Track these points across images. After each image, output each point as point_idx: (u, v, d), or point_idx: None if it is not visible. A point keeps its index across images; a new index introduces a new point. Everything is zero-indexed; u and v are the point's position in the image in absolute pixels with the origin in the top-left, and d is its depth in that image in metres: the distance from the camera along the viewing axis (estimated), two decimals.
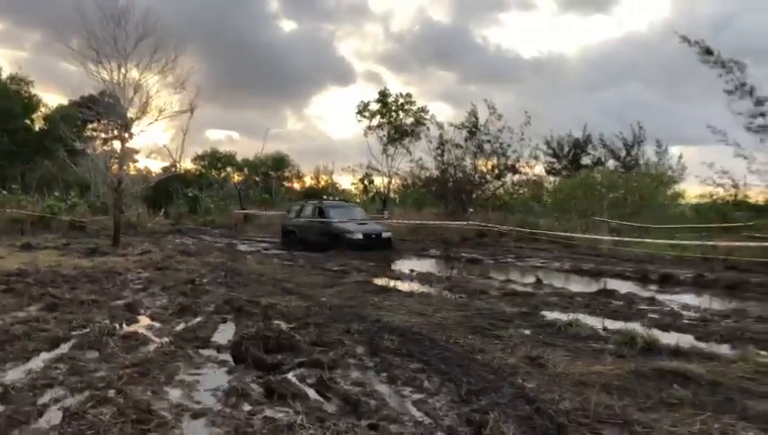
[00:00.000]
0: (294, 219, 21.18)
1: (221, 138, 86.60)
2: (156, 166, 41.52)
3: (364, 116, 34.28)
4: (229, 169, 45.57)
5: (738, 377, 5.21)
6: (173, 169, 29.83)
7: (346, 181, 41.95)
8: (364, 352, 5.94)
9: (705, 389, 4.87)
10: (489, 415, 4.03)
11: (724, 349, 6.39)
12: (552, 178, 34.91)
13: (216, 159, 45.07)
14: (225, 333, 6.77)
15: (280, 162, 44.41)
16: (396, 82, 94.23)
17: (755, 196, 16.09)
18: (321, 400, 4.58)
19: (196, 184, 41.15)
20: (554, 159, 37.08)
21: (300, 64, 67.29)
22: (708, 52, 15.67)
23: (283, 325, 6.96)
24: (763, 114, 15.34)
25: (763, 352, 6.05)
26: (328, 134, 71.59)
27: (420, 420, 4.19)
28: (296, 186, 46.09)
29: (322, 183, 43.90)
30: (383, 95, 34.16)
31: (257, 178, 42.60)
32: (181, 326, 7.10)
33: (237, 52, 63.29)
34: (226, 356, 5.82)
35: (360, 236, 18.24)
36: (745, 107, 15.46)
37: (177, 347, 6.02)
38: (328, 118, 77.78)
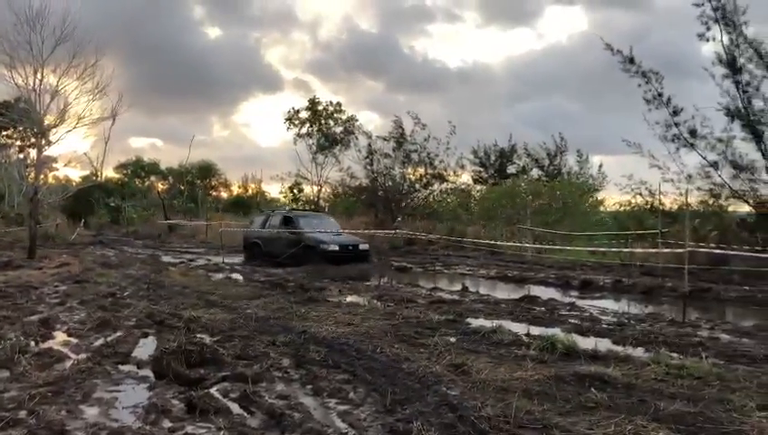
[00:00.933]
0: (259, 230, 19.33)
1: (144, 145, 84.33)
2: (76, 175, 39.97)
3: (294, 123, 34.08)
4: (153, 177, 44.39)
5: (651, 379, 5.45)
6: (94, 178, 28.79)
7: (275, 190, 41.58)
8: (290, 365, 5.90)
9: (620, 391, 5.06)
10: (413, 424, 4.08)
11: (639, 352, 6.67)
12: (479, 187, 35.59)
13: (139, 168, 43.82)
14: (146, 348, 6.60)
15: (206, 170, 43.55)
16: (324, 91, 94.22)
17: (669, 203, 16.83)
18: (245, 414, 4.52)
19: (118, 193, 39.89)
20: (481, 168, 37.85)
21: (226, 71, 66.40)
22: (630, 61, 16.31)
23: (207, 339, 6.85)
24: (677, 124, 16.12)
25: (674, 355, 6.35)
26: (256, 142, 70.76)
27: (345, 431, 4.19)
28: (224, 194, 45.33)
29: (251, 192, 43.31)
30: (313, 103, 34.08)
31: (183, 187, 41.65)
32: (100, 342, 6.88)
33: (161, 57, 61.91)
34: (147, 372, 5.67)
35: (336, 248, 16.85)
36: (662, 117, 16.20)
37: (94, 364, 5.83)
38: (255, 125, 76.90)
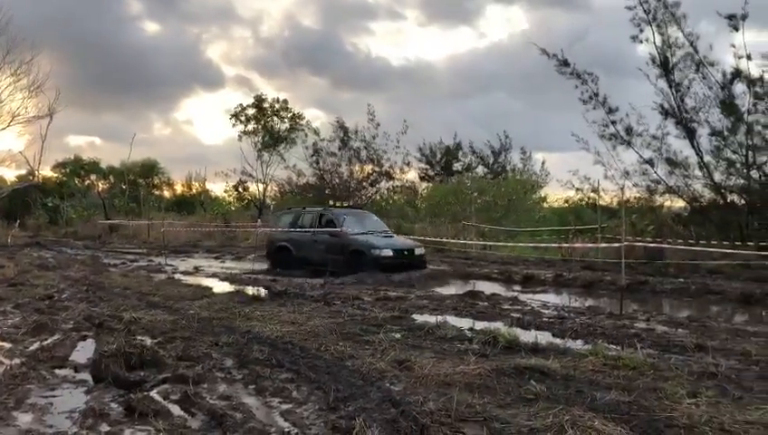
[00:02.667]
0: (288, 232, 16.16)
1: (83, 144, 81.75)
2: (11, 174, 38.55)
3: (239, 120, 33.65)
4: (93, 176, 43.15)
5: (589, 370, 5.60)
6: (30, 178, 27.85)
7: (219, 188, 40.92)
8: (232, 365, 5.84)
9: (559, 383, 5.19)
10: (355, 421, 4.09)
11: (578, 344, 6.84)
12: (425, 185, 35.87)
13: (79, 167, 42.53)
14: (84, 351, 6.43)
15: (149, 169, 42.59)
16: (268, 88, 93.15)
17: (609, 199, 17.33)
18: (186, 416, 4.46)
19: (56, 193, 38.61)
20: (428, 166, 38.12)
21: (165, 67, 64.70)
22: (565, 63, 16.76)
23: (148, 341, 6.71)
24: (614, 122, 16.63)
25: (611, 346, 6.53)
26: (198, 140, 69.21)
27: (287, 430, 4.18)
28: (167, 194, 44.38)
29: (195, 190, 42.56)
30: (259, 100, 33.75)
31: (124, 187, 40.63)
32: (35, 346, 6.66)
33: (99, 54, 59.82)
34: (85, 375, 5.53)
35: (390, 253, 14.37)
36: (599, 116, 16.70)
37: (29, 368, 5.65)
38: (198, 123, 75.29)
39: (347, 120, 28.42)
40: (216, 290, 11.28)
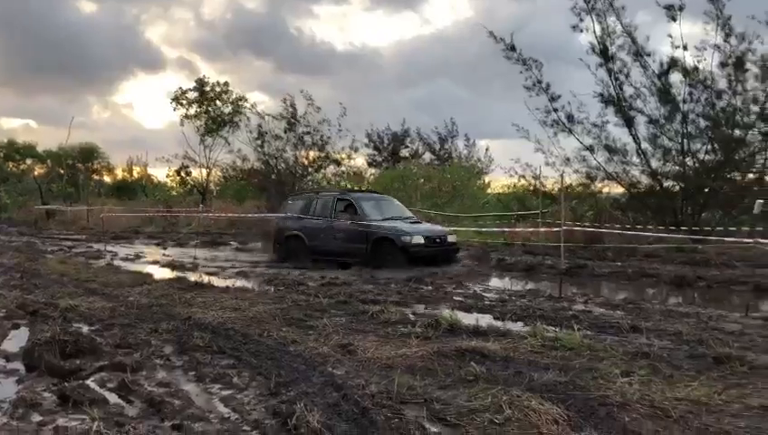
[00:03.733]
0: (299, 220, 14.54)
1: (17, 127, 78.82)
2: None
3: (180, 104, 32.87)
4: (29, 160, 41.61)
5: (528, 351, 5.71)
6: None
7: (162, 173, 40.02)
8: (172, 352, 5.75)
9: (498, 364, 5.28)
10: (297, 405, 4.07)
11: (518, 326, 6.96)
12: (373, 170, 35.85)
13: (13, 151, 40.93)
14: (17, 340, 6.23)
15: (88, 153, 41.27)
16: (210, 70, 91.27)
17: (550, 185, 17.69)
18: (123, 404, 4.36)
19: None
20: (375, 152, 38.09)
21: (102, 49, 62.79)
22: (512, 48, 16.94)
23: (85, 328, 6.56)
24: (556, 110, 16.94)
25: (550, 328, 6.67)
26: (139, 123, 67.67)
27: (227, 416, 4.14)
28: (107, 179, 43.18)
29: (136, 175, 41.51)
30: (201, 83, 33.01)
31: (62, 171, 39.31)
32: None
33: (32, 34, 57.69)
34: (17, 365, 5.36)
35: (421, 241, 12.94)
36: (541, 103, 16.99)
37: None
38: (138, 106, 73.53)
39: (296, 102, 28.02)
40: (156, 276, 11.06)
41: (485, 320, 7.20)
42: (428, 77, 65.76)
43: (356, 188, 16.11)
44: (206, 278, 10.78)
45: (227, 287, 9.72)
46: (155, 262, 14.04)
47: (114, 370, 5.09)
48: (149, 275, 11.15)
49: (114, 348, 5.76)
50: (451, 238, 13.68)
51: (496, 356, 5.48)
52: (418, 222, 14.55)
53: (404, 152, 37.80)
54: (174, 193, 34.70)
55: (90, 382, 4.80)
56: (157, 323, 6.77)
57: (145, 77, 71.06)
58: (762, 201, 9.48)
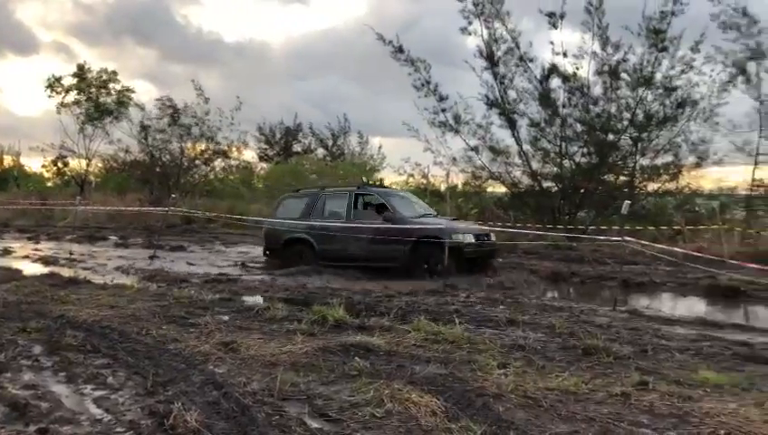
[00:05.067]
0: (302, 222, 12.73)
1: None
2: None
3: (56, 91, 30.99)
4: None
5: (411, 345, 5.84)
6: None
7: (36, 163, 37.53)
8: (42, 352, 5.42)
9: (382, 359, 5.37)
10: (174, 405, 3.96)
11: (403, 321, 7.07)
12: (264, 165, 35.39)
13: None
14: None
15: None
16: (90, 56, 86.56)
17: (438, 184, 18.21)
18: None
19: None
20: (267, 146, 37.60)
21: None
22: (400, 50, 17.24)
23: None
24: (444, 110, 17.41)
25: (432, 323, 6.82)
26: (10, 110, 62.84)
27: (99, 417, 3.96)
28: None
29: (7, 165, 38.71)
30: (81, 70, 31.27)
31: None
32: None
33: None
34: None
35: (473, 240, 11.72)
36: (430, 103, 17.41)
37: None
38: (9, 91, 68.49)
39: (178, 94, 27.39)
40: (27, 272, 10.40)
41: (372, 315, 7.27)
42: (320, 72, 65.64)
43: (371, 183, 15.02)
44: (82, 274, 10.25)
45: (105, 284, 9.29)
46: (26, 257, 13.20)
47: None
48: (19, 272, 10.46)
49: None
50: (493, 237, 12.58)
51: (380, 351, 5.56)
52: (454, 219, 13.75)
53: (296, 147, 37.62)
54: (50, 184, 32.68)
55: None
56: (25, 322, 6.36)
57: (16, 60, 66.19)
58: (629, 202, 10.16)
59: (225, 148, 27.67)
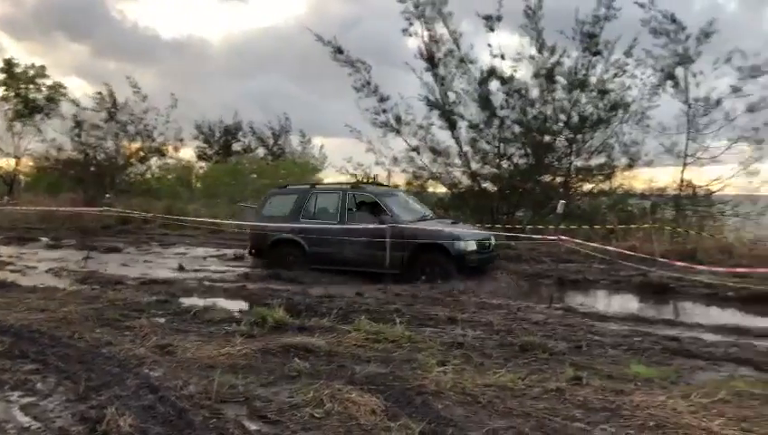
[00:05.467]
0: (291, 222, 11.84)
1: None
2: None
3: None
4: None
5: (352, 345, 5.85)
6: None
7: None
8: None
9: (322, 359, 5.36)
10: (107, 410, 3.85)
11: (344, 321, 7.05)
12: (203, 164, 34.71)
13: None
14: None
15: None
16: (18, 50, 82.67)
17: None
18: None
19: None
20: (206, 145, 36.85)
21: None
22: (339, 51, 17.18)
23: None
24: (385, 111, 17.44)
25: (373, 323, 6.83)
26: None
27: (27, 425, 3.82)
28: None
29: None
30: (9, 64, 30.04)
31: None
32: None
33: None
34: None
35: (474, 247, 11.08)
36: (371, 104, 17.41)
37: None
38: None
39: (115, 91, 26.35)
40: None
41: (312, 315, 7.23)
42: (261, 71, 64.87)
43: (366, 181, 14.30)
44: (10, 277, 9.85)
45: (35, 287, 8.95)
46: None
47: None
48: None
49: None
50: (493, 241, 11.96)
51: (321, 351, 5.55)
52: (456, 222, 13.20)
53: (236, 146, 36.92)
54: None
55: None
56: None
57: None
58: (564, 202, 10.40)
59: (161, 146, 27.00)
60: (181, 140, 27.72)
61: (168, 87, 61.51)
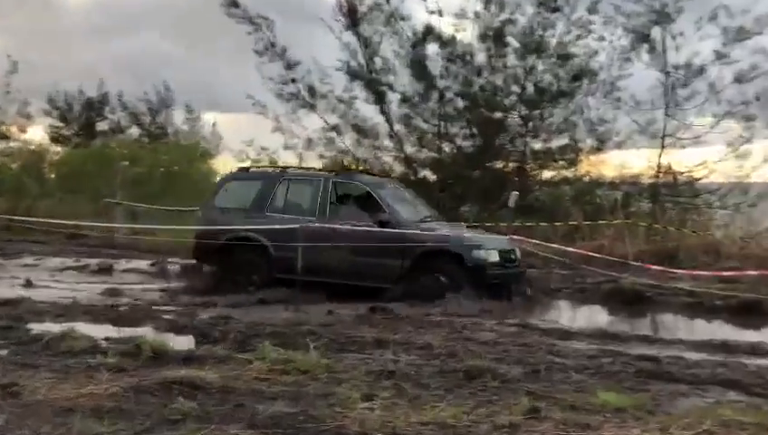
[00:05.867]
0: (252, 217, 11.34)
1: None
2: None
3: None
4: None
5: (252, 379, 5.79)
6: None
7: None
8: None
9: (214, 397, 5.28)
10: None
11: (242, 348, 7.00)
12: (58, 148, 33.72)
13: None
14: None
15: None
16: None
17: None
18: None
19: None
20: (62, 123, 35.80)
21: None
22: (234, 4, 16.91)
23: None
24: (294, 80, 17.29)
25: (280, 349, 6.79)
26: None
27: None
28: None
29: None
30: None
31: None
32: None
33: None
34: None
35: (497, 258, 10.75)
36: (277, 71, 17.24)
37: None
38: None
39: None
40: None
41: (201, 342, 7.15)
42: (133, 28, 63.00)
43: (353, 168, 14.10)
44: None
45: None
46: None
47: None
48: None
49: None
50: (518, 253, 11.54)
51: (212, 387, 5.47)
52: (461, 226, 12.81)
53: (102, 125, 36.07)
54: None
55: None
56: None
57: None
58: (516, 193, 10.63)
59: (3, 127, 26.14)
60: (28, 117, 26.86)
61: (5, 47, 59.12)
